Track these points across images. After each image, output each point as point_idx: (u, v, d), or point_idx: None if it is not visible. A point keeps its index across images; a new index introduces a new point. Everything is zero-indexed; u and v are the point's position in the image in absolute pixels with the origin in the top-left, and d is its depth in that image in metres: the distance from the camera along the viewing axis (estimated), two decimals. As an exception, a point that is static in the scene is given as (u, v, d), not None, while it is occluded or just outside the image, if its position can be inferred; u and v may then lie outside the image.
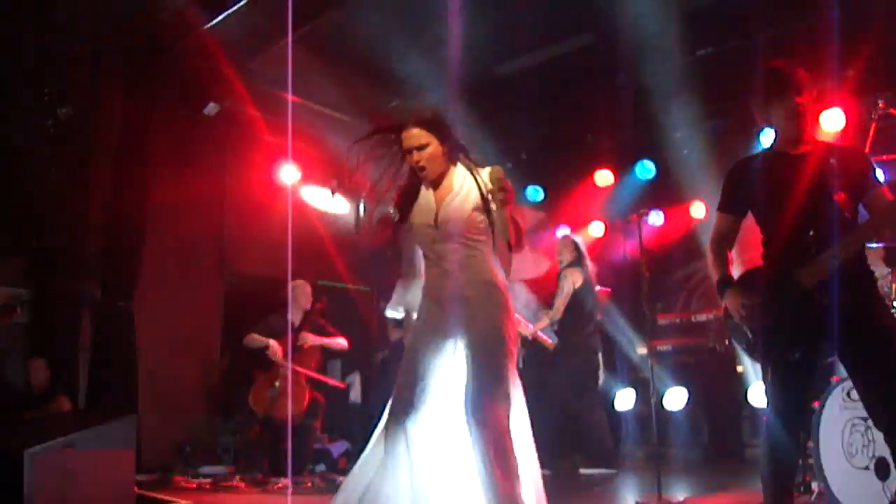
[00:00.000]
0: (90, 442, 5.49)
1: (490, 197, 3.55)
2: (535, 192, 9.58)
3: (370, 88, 8.18)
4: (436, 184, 3.66)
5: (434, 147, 3.59)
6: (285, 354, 6.88)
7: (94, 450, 5.44)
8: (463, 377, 3.45)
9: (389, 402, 3.58)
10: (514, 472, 3.33)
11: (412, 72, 7.87)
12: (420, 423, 3.45)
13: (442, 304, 3.57)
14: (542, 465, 3.64)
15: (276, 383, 6.85)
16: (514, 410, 3.47)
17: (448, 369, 3.51)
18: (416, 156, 3.58)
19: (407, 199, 3.71)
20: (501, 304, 3.57)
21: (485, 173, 3.62)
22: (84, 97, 7.13)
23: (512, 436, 3.39)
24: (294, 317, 7.19)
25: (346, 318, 7.67)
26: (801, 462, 4.66)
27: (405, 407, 3.48)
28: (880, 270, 4.61)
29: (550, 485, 3.61)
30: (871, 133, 4.49)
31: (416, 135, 3.58)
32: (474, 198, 3.58)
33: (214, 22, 6.57)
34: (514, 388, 3.52)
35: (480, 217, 3.57)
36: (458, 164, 3.68)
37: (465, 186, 3.60)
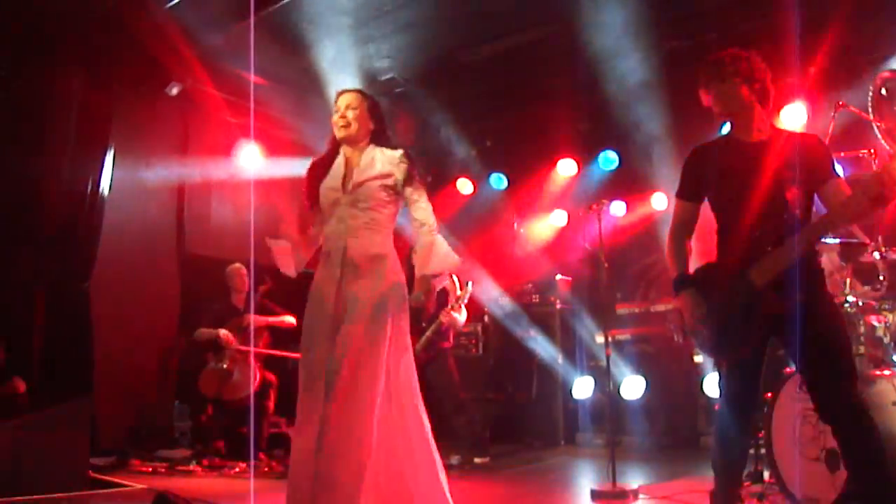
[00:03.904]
0: (44, 424, 5.43)
1: (404, 178, 3.83)
2: (498, 180, 9.59)
3: (334, 71, 8.12)
4: (349, 153, 3.91)
5: (361, 112, 3.90)
6: (237, 340, 6.88)
7: (49, 432, 5.38)
8: (337, 347, 3.58)
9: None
10: (359, 462, 3.45)
11: (377, 55, 7.83)
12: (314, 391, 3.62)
13: (332, 269, 3.74)
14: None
15: (224, 365, 6.84)
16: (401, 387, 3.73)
17: (332, 339, 3.64)
18: (343, 111, 3.88)
19: (319, 168, 3.96)
20: (387, 280, 3.74)
21: (395, 155, 3.87)
22: (42, 77, 6.99)
23: (373, 420, 3.53)
24: (237, 300, 7.22)
25: (305, 301, 7.61)
26: (753, 452, 4.73)
27: (304, 378, 3.72)
28: (836, 265, 4.68)
29: (504, 470, 3.64)
30: (830, 130, 4.53)
31: (349, 96, 3.92)
32: (388, 177, 3.82)
33: (175, 1, 6.47)
34: (401, 367, 3.74)
35: (387, 195, 3.82)
36: (372, 146, 3.93)
37: (377, 164, 3.84)
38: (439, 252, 3.87)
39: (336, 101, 3.92)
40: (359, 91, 3.98)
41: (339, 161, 3.91)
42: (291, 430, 3.72)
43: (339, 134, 3.88)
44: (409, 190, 3.85)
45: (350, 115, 3.86)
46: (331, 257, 3.77)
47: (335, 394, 3.48)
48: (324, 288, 3.75)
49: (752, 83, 3.43)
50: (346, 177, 3.83)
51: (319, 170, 3.94)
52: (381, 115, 3.98)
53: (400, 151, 3.88)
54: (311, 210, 3.97)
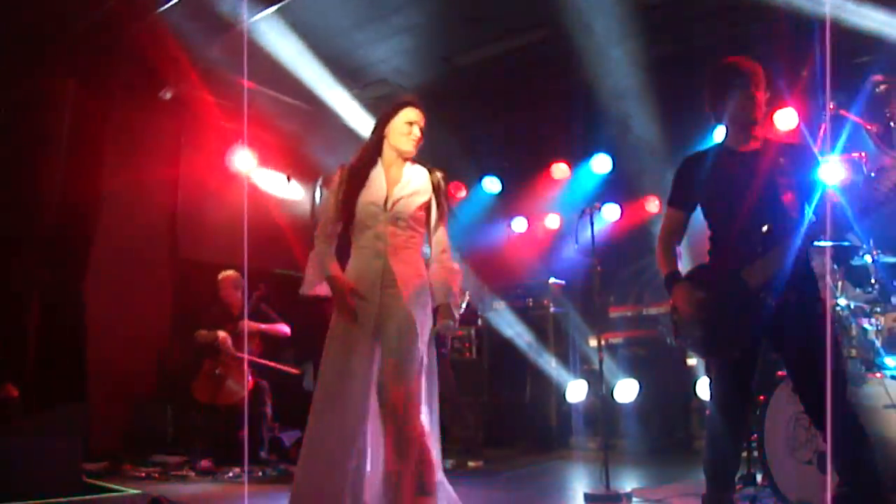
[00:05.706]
0: (38, 429, 5.42)
1: (437, 199, 3.80)
2: (492, 184, 9.60)
3: (328, 76, 8.12)
4: (390, 167, 3.81)
5: (422, 130, 3.81)
6: (233, 344, 6.88)
7: (42, 437, 5.37)
8: (379, 362, 3.64)
9: (316, 387, 3.73)
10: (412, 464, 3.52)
11: (370, 60, 7.84)
12: (345, 402, 3.60)
13: (368, 286, 3.67)
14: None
15: (217, 370, 6.84)
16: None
17: (367, 352, 3.66)
18: (417, 130, 3.77)
19: (357, 178, 3.80)
20: (424, 302, 3.71)
21: (430, 175, 3.84)
22: (35, 80, 6.98)
23: (423, 430, 3.59)
24: (231, 307, 7.20)
25: (300, 307, 7.61)
26: (745, 455, 4.75)
27: (331, 390, 3.65)
28: (827, 267, 4.69)
29: (498, 474, 3.68)
30: (821, 134, 4.56)
31: (419, 113, 3.81)
32: (425, 195, 3.77)
33: (168, 5, 6.46)
34: (428, 379, 3.73)
35: (424, 214, 3.78)
36: (410, 162, 3.85)
37: (415, 181, 3.78)
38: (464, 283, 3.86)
39: (408, 112, 3.79)
40: (423, 109, 3.85)
41: (379, 174, 3.78)
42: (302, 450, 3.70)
43: (408, 147, 3.76)
44: (436, 213, 3.81)
45: (418, 133, 3.77)
46: (367, 275, 3.68)
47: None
48: (360, 307, 3.66)
49: (758, 89, 3.46)
50: (388, 193, 3.72)
51: (356, 180, 3.77)
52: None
53: (438, 174, 3.82)
54: (344, 222, 3.80)
